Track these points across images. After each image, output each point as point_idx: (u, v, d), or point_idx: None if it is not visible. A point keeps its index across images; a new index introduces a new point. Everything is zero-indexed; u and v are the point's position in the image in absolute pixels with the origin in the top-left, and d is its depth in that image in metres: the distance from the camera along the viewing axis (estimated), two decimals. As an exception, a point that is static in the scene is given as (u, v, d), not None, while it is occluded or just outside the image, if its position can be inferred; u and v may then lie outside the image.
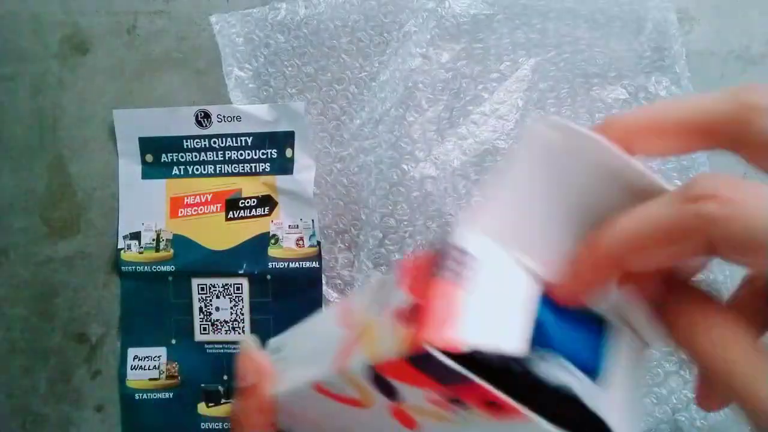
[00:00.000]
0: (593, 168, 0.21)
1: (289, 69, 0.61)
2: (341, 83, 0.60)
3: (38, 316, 0.61)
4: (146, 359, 0.61)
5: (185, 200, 0.61)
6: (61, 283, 0.61)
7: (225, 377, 0.61)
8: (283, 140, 0.60)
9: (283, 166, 0.60)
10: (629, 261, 0.20)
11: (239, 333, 0.61)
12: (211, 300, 0.61)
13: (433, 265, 0.23)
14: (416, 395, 0.23)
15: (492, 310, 0.21)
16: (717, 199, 0.18)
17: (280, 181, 0.60)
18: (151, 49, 0.62)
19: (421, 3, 0.60)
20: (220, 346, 0.61)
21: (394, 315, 0.23)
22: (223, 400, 0.60)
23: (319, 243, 0.60)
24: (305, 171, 0.59)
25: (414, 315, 0.22)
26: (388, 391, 0.24)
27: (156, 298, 0.61)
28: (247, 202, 0.61)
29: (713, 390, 0.23)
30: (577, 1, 0.60)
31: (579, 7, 0.60)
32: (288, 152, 0.60)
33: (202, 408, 0.61)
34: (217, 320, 0.61)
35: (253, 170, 0.61)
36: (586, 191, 0.22)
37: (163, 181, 0.61)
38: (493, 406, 0.21)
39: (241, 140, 0.61)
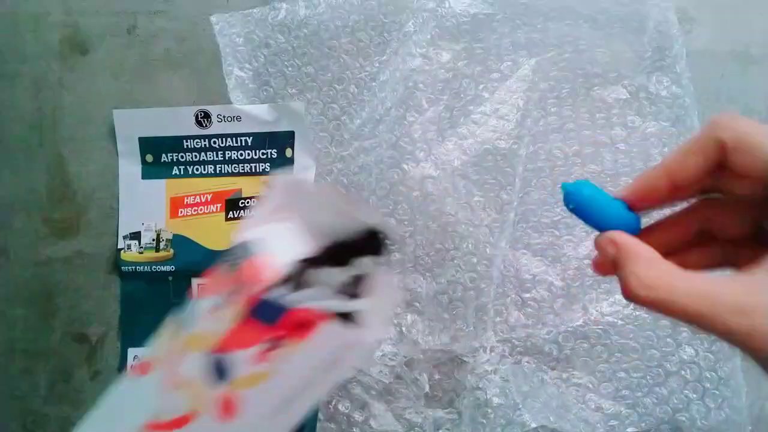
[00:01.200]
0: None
1: (290, 69, 0.60)
2: (341, 83, 0.60)
3: (38, 316, 0.61)
4: None
5: (185, 200, 0.61)
6: (61, 283, 0.61)
7: (225, 378, 0.61)
8: (283, 140, 0.60)
9: (283, 166, 0.60)
10: (676, 172, 0.29)
11: None
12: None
13: (222, 270, 0.32)
14: (244, 362, 0.31)
15: (285, 252, 0.31)
16: (726, 116, 0.28)
17: None
18: (151, 49, 0.62)
19: (422, 3, 0.60)
20: None
21: (212, 312, 0.32)
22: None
23: (318, 242, 0.59)
24: (305, 171, 0.59)
25: (230, 297, 0.31)
26: (221, 374, 0.31)
27: (156, 298, 0.61)
28: (247, 202, 0.60)
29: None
30: (578, 1, 0.60)
31: (580, 8, 0.60)
32: (288, 152, 0.60)
33: None
34: None
35: (253, 170, 0.61)
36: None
37: (163, 181, 0.61)
38: (301, 327, 0.30)
39: (241, 140, 0.61)
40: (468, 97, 0.60)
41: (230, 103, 0.60)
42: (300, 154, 0.59)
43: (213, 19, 0.60)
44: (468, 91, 0.60)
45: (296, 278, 0.32)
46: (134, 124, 0.61)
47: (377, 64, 0.60)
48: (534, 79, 0.60)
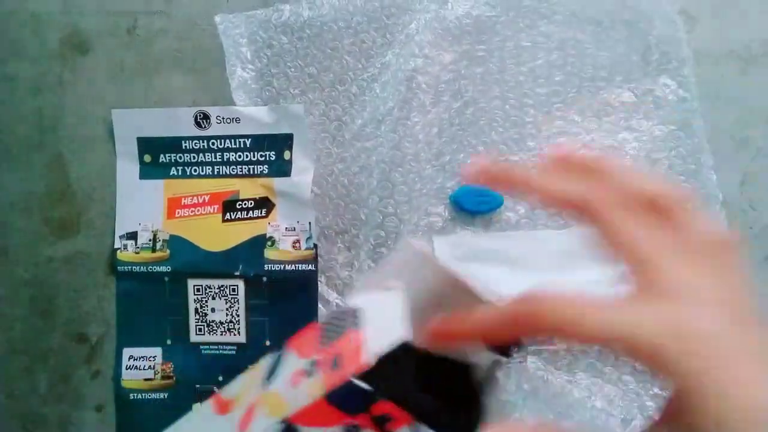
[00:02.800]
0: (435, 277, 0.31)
1: (292, 70, 0.60)
2: (343, 84, 0.60)
3: (38, 316, 0.60)
4: (141, 359, 0.60)
5: (182, 201, 0.60)
6: (61, 283, 0.60)
7: (220, 378, 0.59)
8: (281, 142, 0.59)
9: (281, 169, 0.59)
10: (486, 335, 0.29)
11: (235, 334, 0.59)
12: (206, 301, 0.59)
13: (322, 332, 0.30)
14: None
15: (381, 334, 0.28)
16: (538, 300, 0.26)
17: (278, 183, 0.59)
18: (151, 49, 0.61)
19: (424, 5, 0.59)
20: (216, 347, 0.59)
21: (294, 377, 0.29)
22: (221, 402, 0.60)
23: (315, 246, 0.58)
24: (303, 173, 0.58)
25: (317, 367, 0.28)
26: None
27: (152, 298, 0.60)
28: (245, 204, 0.59)
29: None
30: (582, 4, 0.60)
31: (583, 10, 0.59)
32: (286, 154, 0.59)
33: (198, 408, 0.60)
34: (212, 321, 0.59)
35: (251, 172, 0.60)
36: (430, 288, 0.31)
37: (161, 181, 0.60)
38: (383, 421, 0.28)
39: (239, 142, 0.60)
40: (470, 98, 0.59)
41: (230, 103, 0.59)
42: (298, 156, 0.58)
43: (217, 19, 0.60)
44: (470, 92, 0.59)
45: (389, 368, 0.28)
46: (133, 124, 0.60)
47: (379, 66, 0.59)
48: (538, 83, 0.59)
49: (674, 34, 0.60)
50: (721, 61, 0.61)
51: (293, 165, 0.59)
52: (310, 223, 0.58)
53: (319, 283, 0.59)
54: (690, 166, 0.59)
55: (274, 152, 0.59)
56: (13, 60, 0.59)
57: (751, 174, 0.60)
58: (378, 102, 0.59)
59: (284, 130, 0.59)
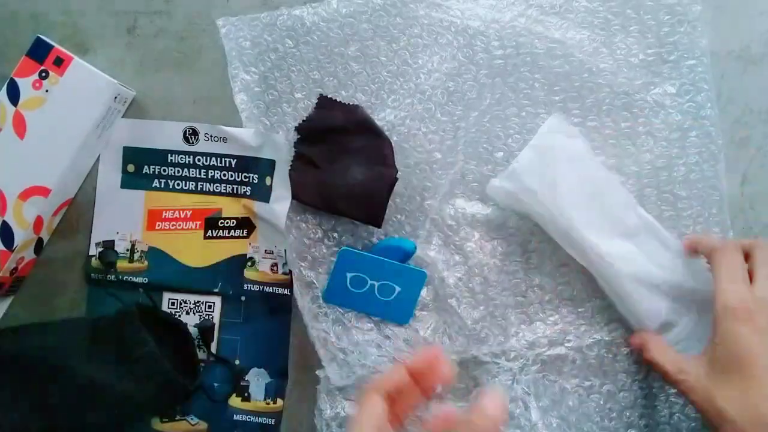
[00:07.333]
0: None
1: (296, 74, 0.58)
2: (348, 89, 0.58)
3: (38, 316, 0.59)
4: None
5: (163, 214, 0.58)
6: (61, 283, 0.59)
7: (185, 391, 0.57)
8: (264, 167, 0.57)
9: (262, 193, 0.57)
10: None
11: (202, 351, 0.58)
12: (180, 315, 0.58)
13: None
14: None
15: None
16: None
17: (258, 206, 0.57)
18: (151, 49, 0.60)
19: (431, 19, 0.57)
20: None
21: None
22: (177, 417, 0.58)
23: (290, 272, 0.57)
24: (280, 202, 0.55)
25: None
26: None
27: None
28: (227, 222, 0.58)
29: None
30: (595, 9, 0.59)
31: (598, 15, 0.58)
32: (267, 180, 0.57)
33: (156, 424, 0.58)
34: None
35: (235, 192, 0.58)
36: None
37: (142, 192, 0.59)
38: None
39: (225, 161, 0.58)
40: (484, 107, 0.58)
41: (231, 102, 0.57)
42: (278, 184, 0.56)
43: (219, 22, 0.57)
44: (485, 100, 0.58)
45: None
46: (121, 133, 0.59)
47: (385, 73, 0.57)
48: (556, 90, 0.57)
49: (695, 42, 0.58)
50: (721, 61, 0.59)
51: (273, 192, 0.56)
52: (285, 250, 0.56)
53: (301, 294, 0.57)
54: (707, 173, 0.57)
55: (256, 176, 0.57)
56: (13, 60, 0.58)
57: (751, 174, 0.59)
58: (388, 111, 0.57)
59: (268, 155, 0.57)
